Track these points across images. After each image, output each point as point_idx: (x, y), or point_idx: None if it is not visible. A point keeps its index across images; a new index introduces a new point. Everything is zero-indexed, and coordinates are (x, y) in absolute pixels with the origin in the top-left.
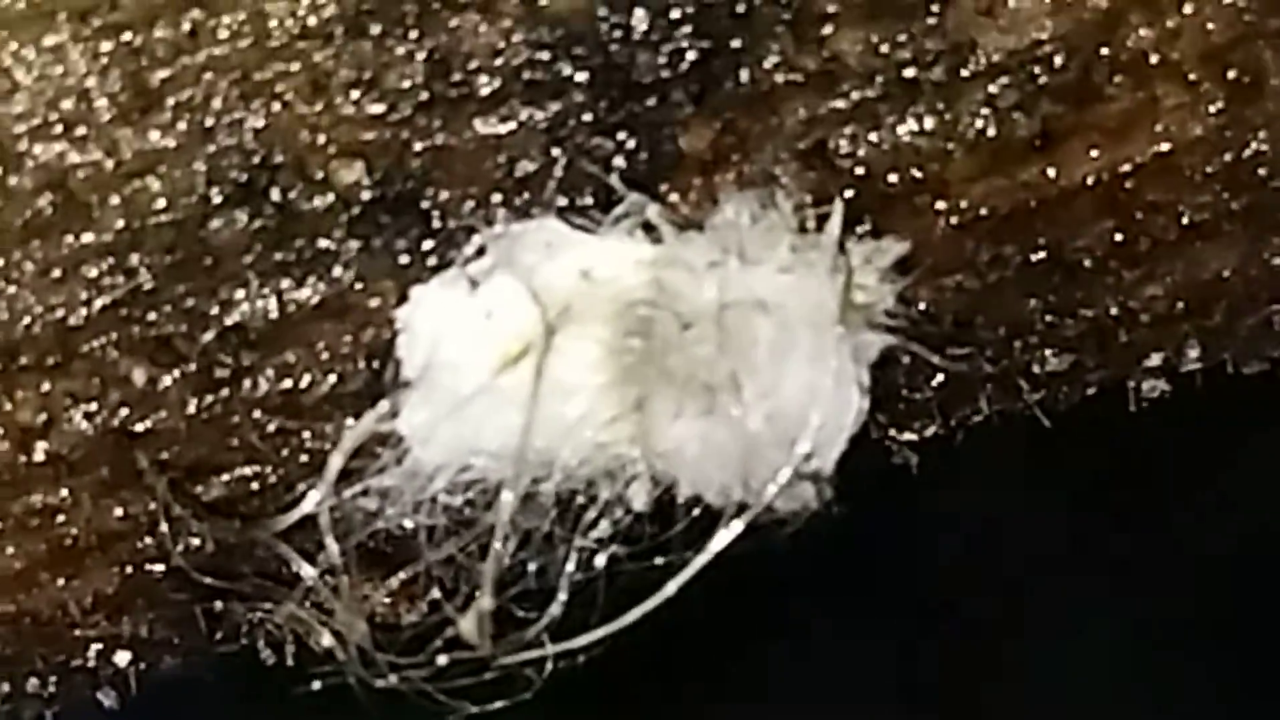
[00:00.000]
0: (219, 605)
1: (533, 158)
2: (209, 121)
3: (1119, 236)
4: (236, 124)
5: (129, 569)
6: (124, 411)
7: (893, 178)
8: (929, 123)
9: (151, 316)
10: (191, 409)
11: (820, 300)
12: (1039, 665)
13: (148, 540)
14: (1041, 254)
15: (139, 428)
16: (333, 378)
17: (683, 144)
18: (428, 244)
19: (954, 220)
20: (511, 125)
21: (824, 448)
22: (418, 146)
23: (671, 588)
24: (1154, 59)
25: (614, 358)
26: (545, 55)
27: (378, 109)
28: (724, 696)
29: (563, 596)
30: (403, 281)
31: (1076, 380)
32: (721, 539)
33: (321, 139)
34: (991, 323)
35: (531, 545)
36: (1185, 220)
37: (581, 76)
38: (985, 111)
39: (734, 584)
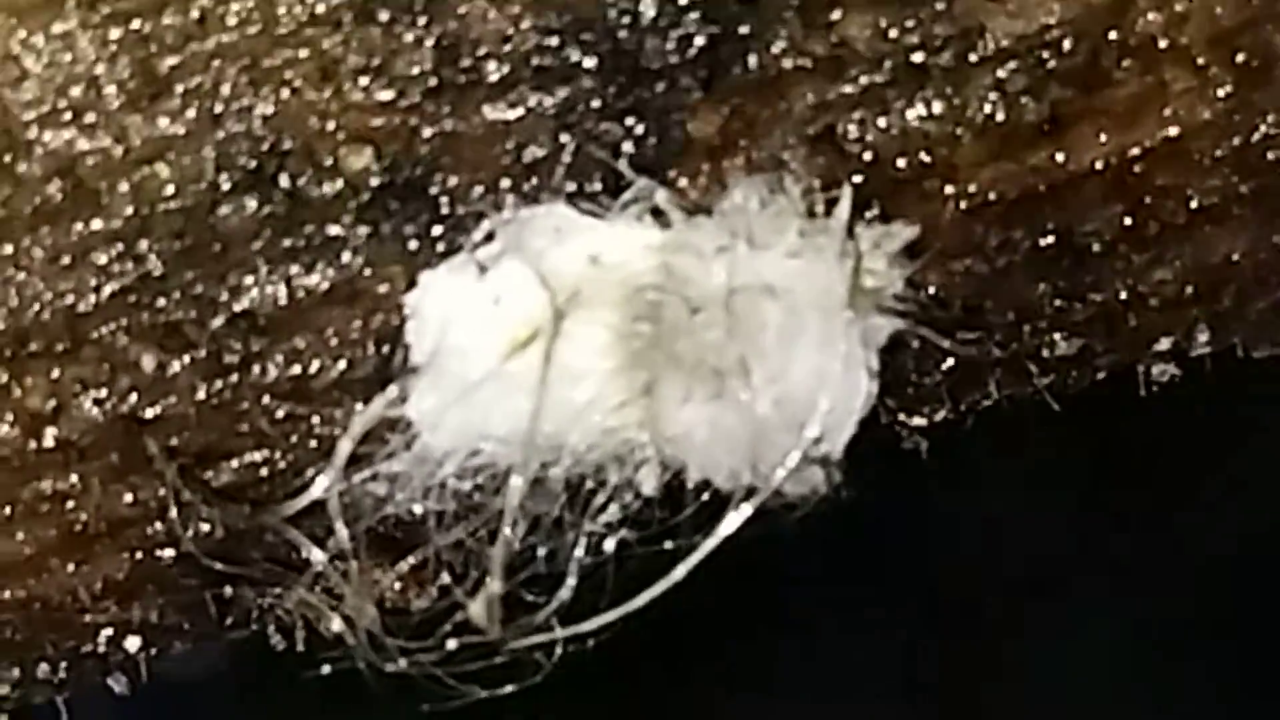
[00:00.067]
0: (229, 591)
1: (541, 143)
2: (218, 108)
3: (1128, 221)
4: (245, 111)
5: (139, 555)
6: (133, 397)
7: (901, 163)
8: (937, 107)
9: (161, 303)
10: (201, 395)
11: (829, 285)
12: (1043, 654)
13: (158, 526)
14: (1050, 238)
15: (148, 414)
16: (342, 363)
17: (691, 129)
18: (436, 230)
19: (963, 205)
20: (520, 111)
21: (832, 432)
22: (427, 133)
23: (680, 572)
24: (1162, 43)
25: (622, 342)
26: (554, 41)
27: (386, 95)
28: (731, 680)
29: (572, 581)
30: (411, 267)
31: (1086, 364)
32: (730, 523)
33: (330, 125)
34: (1000, 307)
35: (540, 530)
36: (1194, 204)
37: (590, 62)
38: (994, 96)
39: (743, 568)
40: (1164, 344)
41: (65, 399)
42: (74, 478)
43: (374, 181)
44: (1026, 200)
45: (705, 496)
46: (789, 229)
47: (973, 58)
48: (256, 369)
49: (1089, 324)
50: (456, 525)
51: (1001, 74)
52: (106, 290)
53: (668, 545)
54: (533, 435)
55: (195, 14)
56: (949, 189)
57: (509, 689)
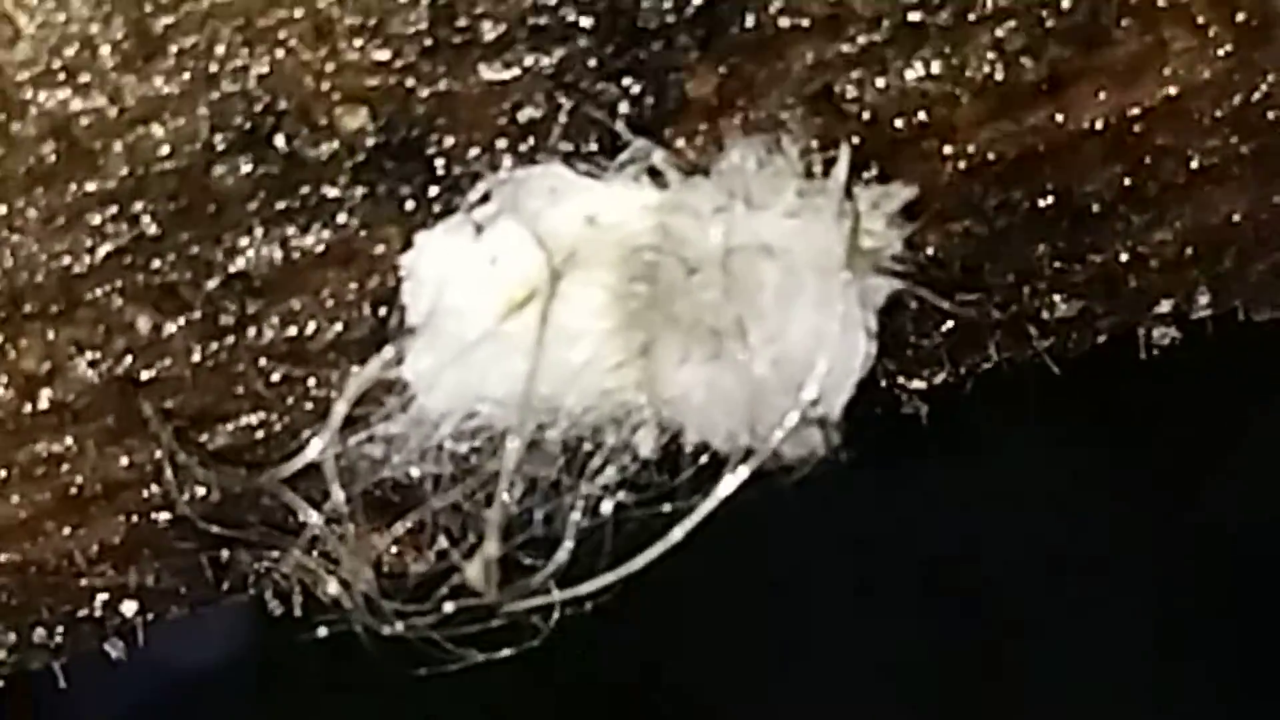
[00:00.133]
0: (225, 554)
1: (538, 104)
2: (213, 68)
3: (1127, 181)
4: (240, 71)
5: (134, 518)
6: (129, 359)
7: (899, 123)
8: (936, 67)
9: (156, 264)
10: (196, 357)
11: (827, 245)
12: (1043, 619)
13: (153, 489)
14: (1050, 199)
15: (144, 375)
16: (338, 325)
17: (688, 89)
18: (432, 190)
19: (961, 165)
20: (516, 71)
21: (831, 393)
22: (423, 93)
23: (678, 534)
24: (1162, 2)
25: (619, 303)
26: (550, 1)
27: (382, 55)
28: (729, 642)
29: (569, 543)
30: (407, 228)
31: (1086, 327)
32: (728, 485)
33: (326, 85)
34: (1000, 268)
35: (537, 492)
36: (1194, 164)
37: (586, 22)
38: (992, 56)
39: (741, 530)
40: (1164, 306)
41: (60, 361)
42: (69, 440)
43: (369, 142)
44: (1025, 160)
45: (703, 459)
46: (787, 189)
47: (971, 16)
48: (252, 331)
49: (1089, 285)
50: (453, 487)
51: (1000, 33)
52: (101, 251)
53: (665, 508)
54: (529, 397)
55: None
56: (947, 149)
57: (506, 652)
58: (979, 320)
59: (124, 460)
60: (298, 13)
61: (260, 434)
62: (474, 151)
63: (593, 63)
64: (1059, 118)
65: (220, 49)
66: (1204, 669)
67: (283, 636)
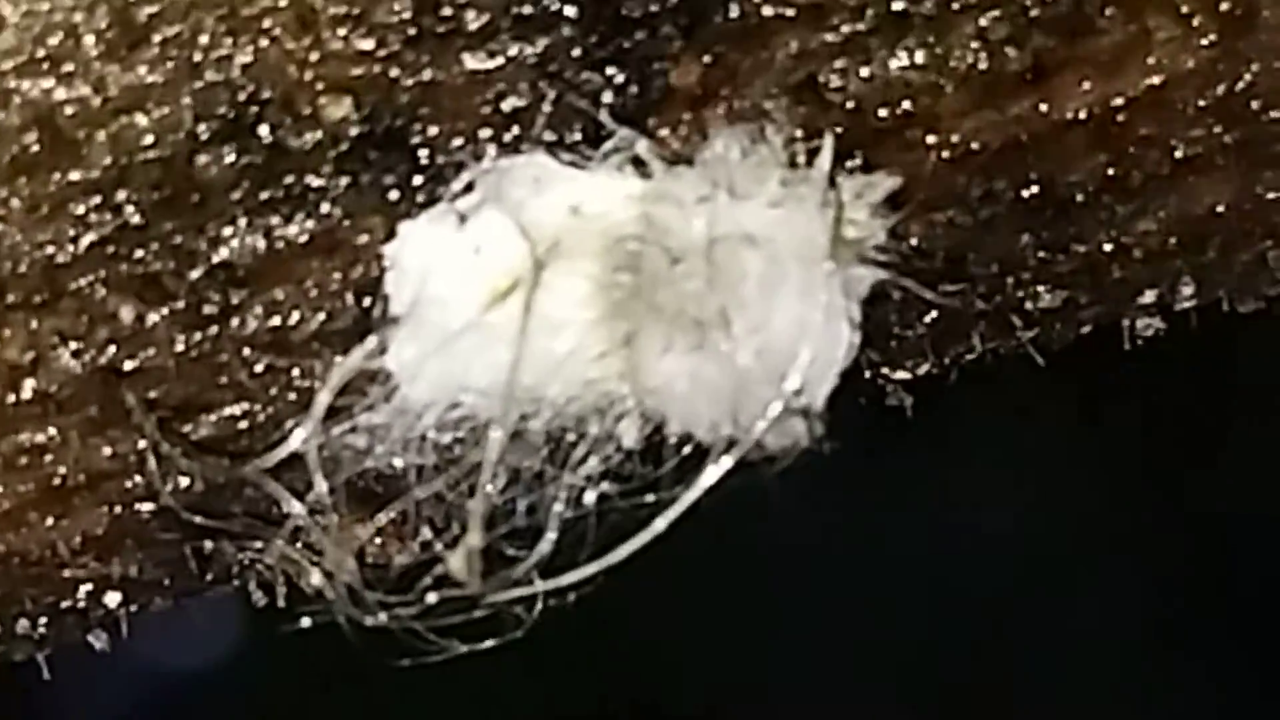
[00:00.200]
0: (209, 545)
1: (521, 93)
2: (196, 57)
3: (1111, 171)
4: (224, 60)
5: (118, 508)
6: (112, 349)
7: (883, 112)
8: (920, 56)
9: (139, 254)
10: (180, 347)
11: (810, 235)
12: (1028, 609)
13: (136, 479)
14: (1034, 189)
15: (127, 366)
16: (321, 314)
17: (672, 78)
18: (416, 180)
19: (945, 155)
20: (500, 60)
21: (814, 383)
22: (406, 82)
23: (661, 524)
24: None
25: (603, 293)
26: None
27: (366, 44)
28: (713, 633)
29: (552, 534)
30: (391, 217)
31: (1070, 317)
32: (711, 476)
33: (309, 75)
34: (983, 258)
35: (521, 482)
36: (1178, 154)
37: (570, 11)
38: (976, 45)
39: (724, 520)
40: (1148, 296)
41: (43, 351)
42: (52, 430)
43: (353, 131)
44: (1009, 150)
45: (686, 449)
46: (770, 179)
47: (955, 6)
48: (235, 321)
49: (1073, 276)
50: (436, 478)
51: (984, 22)
52: (85, 241)
53: (648, 498)
54: (512, 387)
55: None
56: (931, 139)
57: (489, 643)
58: (963, 311)
59: (107, 451)
60: (281, 2)
61: (243, 424)
62: (458, 141)
63: (577, 52)
64: (1043, 107)
65: (204, 38)
66: (1193, 660)
67: (266, 627)
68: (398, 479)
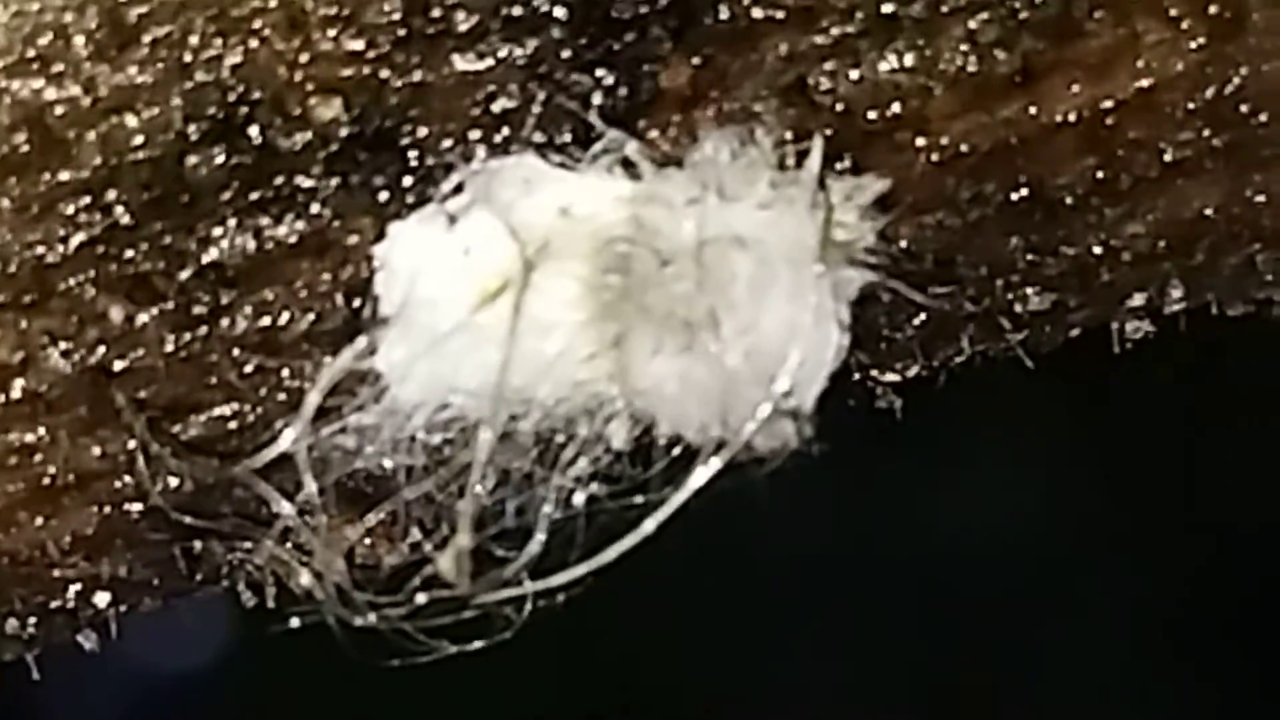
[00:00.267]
0: (198, 546)
1: (511, 94)
2: (186, 58)
3: (1100, 174)
4: (214, 61)
5: (107, 509)
6: (101, 349)
7: (873, 114)
8: (909, 59)
9: (129, 254)
10: (169, 347)
11: (800, 237)
12: (1019, 611)
13: (126, 479)
14: (1023, 191)
15: (117, 366)
16: (311, 315)
17: (662, 80)
18: (406, 181)
19: (934, 157)
20: (490, 62)
21: (803, 385)
22: (396, 83)
23: (650, 526)
24: None
25: (592, 294)
26: None
27: (356, 45)
28: (703, 634)
29: (541, 535)
30: (381, 218)
31: (1059, 320)
32: (700, 477)
33: (299, 75)
34: (972, 261)
35: (510, 483)
36: (1167, 157)
37: (560, 13)
38: (965, 48)
39: (713, 522)
40: (1137, 299)
41: (33, 350)
42: (42, 430)
43: (343, 132)
44: (998, 153)
45: (675, 450)
46: (760, 181)
47: (944, 8)
48: (225, 321)
49: (1062, 278)
50: (425, 479)
51: (973, 25)
52: (74, 241)
53: (638, 499)
54: (502, 388)
55: None
56: (920, 141)
57: (478, 644)
58: (952, 313)
59: (96, 451)
60: (271, 3)
61: (233, 424)
62: (447, 142)
63: (566, 53)
64: (1032, 110)
65: (194, 39)
66: (1183, 663)
67: (255, 627)
68: (387, 480)
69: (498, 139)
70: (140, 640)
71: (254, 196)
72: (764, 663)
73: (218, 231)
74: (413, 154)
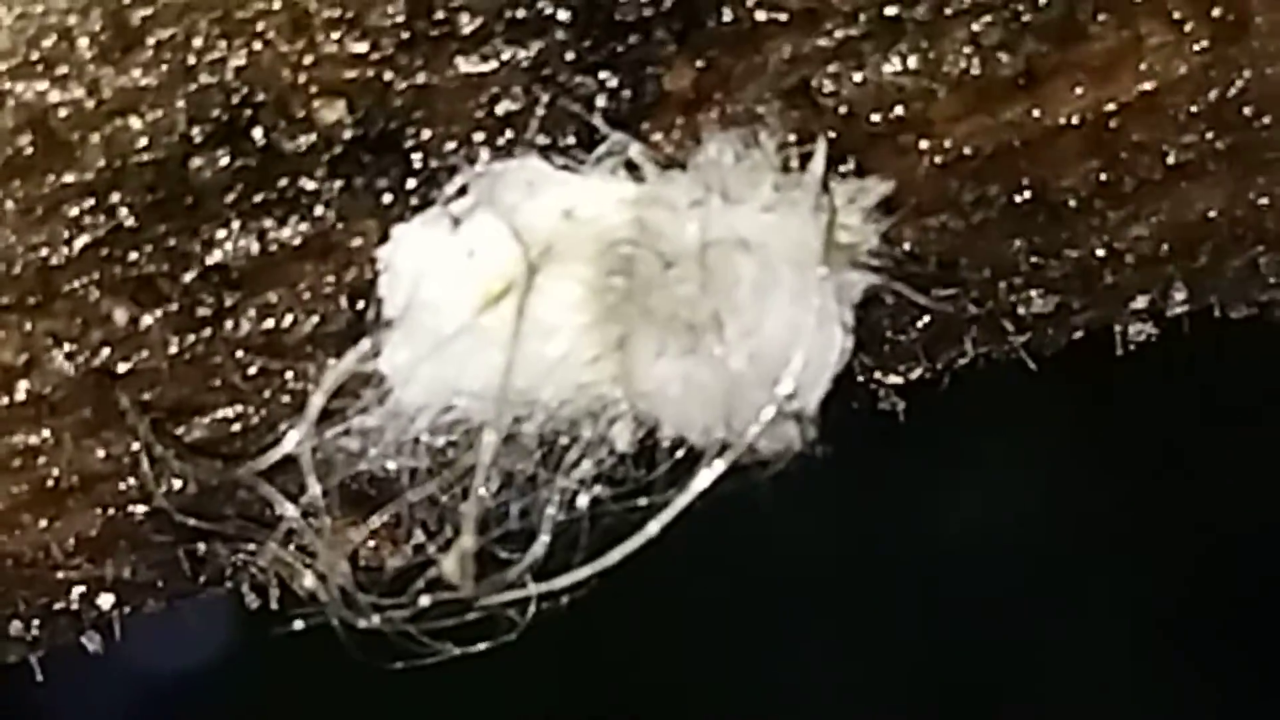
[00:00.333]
0: (202, 547)
1: (515, 97)
2: (190, 60)
3: (1104, 176)
4: (218, 63)
5: (111, 510)
6: (105, 351)
7: (876, 117)
8: (913, 61)
9: (133, 256)
10: (173, 349)
11: (803, 239)
12: (1020, 614)
13: (130, 481)
14: (1026, 194)
15: (121, 368)
16: (315, 317)
17: (665, 83)
18: (410, 183)
19: (938, 160)
20: (494, 64)
21: (807, 387)
22: (400, 85)
23: (654, 528)
24: None
25: (596, 297)
26: None
27: (360, 48)
28: (707, 636)
29: (545, 537)
30: (385, 221)
31: (1063, 322)
32: (704, 479)
33: (303, 78)
34: (976, 263)
35: (514, 486)
36: (1170, 160)
37: (564, 15)
38: (969, 50)
39: (717, 524)
40: (1140, 302)
41: (37, 352)
42: (46, 432)
43: (347, 134)
44: (1002, 155)
45: (679, 453)
46: (763, 183)
47: (948, 11)
48: (229, 323)
49: (1065, 281)
50: (429, 481)
51: (977, 27)
52: (79, 243)
53: (641, 502)
54: (505, 390)
55: None
56: (924, 144)
57: (482, 646)
58: (955, 315)
59: (101, 453)
60: (275, 4)
61: (237, 427)
62: (451, 144)
63: (570, 56)
64: (1035, 113)
65: (198, 41)
66: (1187, 664)
67: (259, 629)
68: (391, 482)
69: (501, 141)
70: (144, 642)
71: (258, 199)
72: (767, 664)
73: (222, 234)
74: (416, 156)
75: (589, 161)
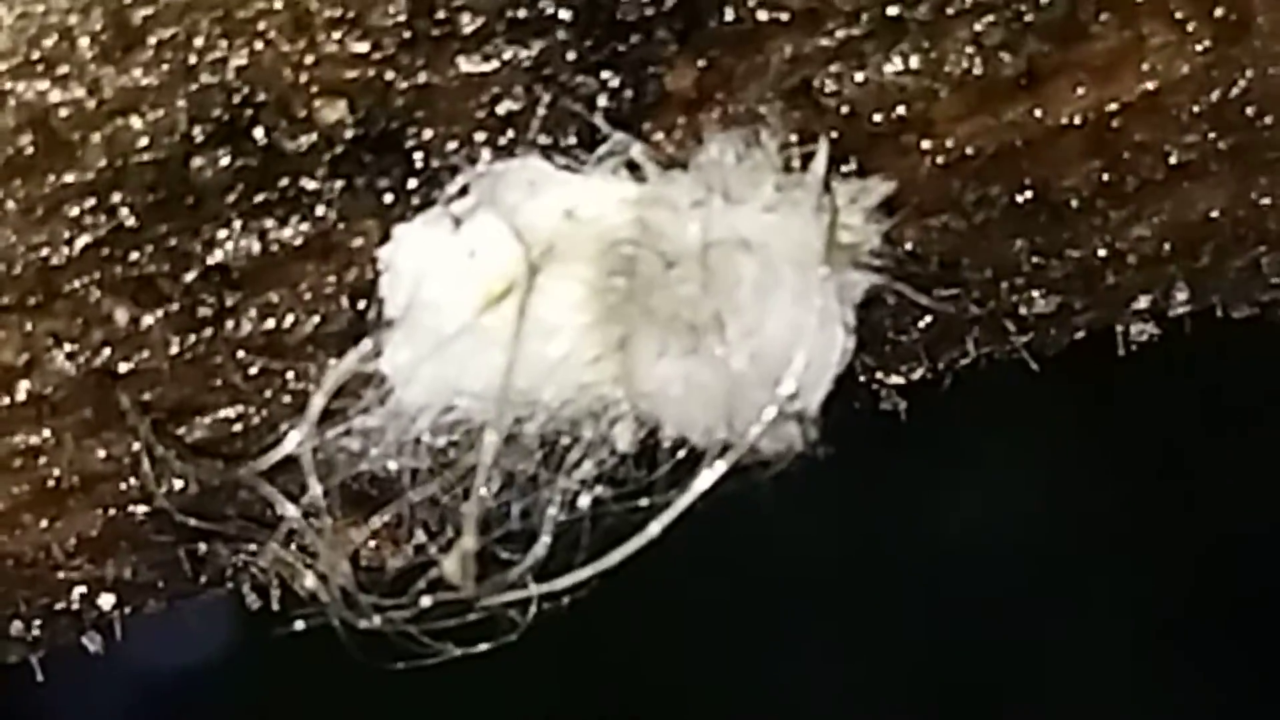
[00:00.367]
0: (203, 548)
1: (516, 96)
2: (191, 60)
3: (1106, 176)
4: (219, 62)
5: (112, 511)
6: (106, 351)
7: (878, 117)
8: (914, 61)
9: (134, 256)
10: (174, 349)
11: (805, 239)
12: (1022, 615)
13: (131, 482)
14: (1028, 194)
15: (121, 368)
16: (316, 318)
17: (667, 83)
18: (411, 183)
19: (940, 160)
20: (495, 64)
21: (808, 388)
22: (401, 85)
23: (655, 529)
24: None
25: (597, 297)
26: None
27: (361, 47)
28: (708, 637)
29: (546, 538)
30: (386, 220)
31: (1064, 323)
32: (705, 480)
33: (304, 77)
34: (978, 263)
35: (515, 486)
36: (1172, 160)
37: (565, 14)
38: (971, 50)
39: (718, 525)
40: (1142, 302)
41: (38, 353)
42: (46, 432)
43: (348, 134)
44: (1004, 155)
45: (680, 453)
46: (765, 183)
47: (950, 11)
48: (230, 323)
49: (1067, 281)
50: (430, 481)
51: (979, 27)
52: (79, 243)
53: (643, 502)
54: (507, 390)
55: None
56: (926, 144)
57: (483, 646)
58: (957, 315)
59: (101, 453)
60: (276, 4)
61: (238, 427)
62: (452, 144)
63: (571, 56)
64: (1037, 113)
65: (199, 41)
66: (1191, 664)
67: (260, 630)
68: (392, 482)
69: (503, 141)
70: (145, 642)
71: (259, 199)
72: (769, 665)
73: (222, 234)
74: (418, 156)
75: (590, 161)
